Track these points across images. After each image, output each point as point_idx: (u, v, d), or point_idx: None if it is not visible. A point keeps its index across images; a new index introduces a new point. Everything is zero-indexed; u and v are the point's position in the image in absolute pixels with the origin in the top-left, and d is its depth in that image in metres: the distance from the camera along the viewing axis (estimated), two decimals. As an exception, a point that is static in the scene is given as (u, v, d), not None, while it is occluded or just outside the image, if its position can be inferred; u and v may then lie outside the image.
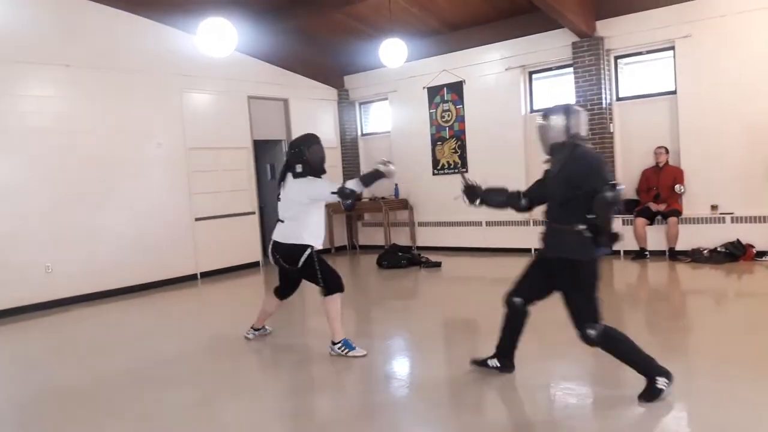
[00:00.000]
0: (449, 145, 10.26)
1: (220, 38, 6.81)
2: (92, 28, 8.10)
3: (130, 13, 8.47)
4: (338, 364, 4.69)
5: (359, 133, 11.77)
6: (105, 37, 8.23)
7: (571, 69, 8.86)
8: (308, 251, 4.83)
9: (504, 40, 9.48)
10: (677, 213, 8.05)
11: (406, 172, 10.77)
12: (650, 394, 3.49)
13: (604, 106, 8.57)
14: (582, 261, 3.58)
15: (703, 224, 8.02)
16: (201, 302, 8.07)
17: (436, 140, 10.43)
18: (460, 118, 10.10)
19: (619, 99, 8.79)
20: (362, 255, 10.84)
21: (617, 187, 3.46)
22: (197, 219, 9.22)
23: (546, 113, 3.82)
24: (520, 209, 4.11)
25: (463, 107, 10.05)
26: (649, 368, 3.54)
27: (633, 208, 8.42)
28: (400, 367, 4.74)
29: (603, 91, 8.57)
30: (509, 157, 9.48)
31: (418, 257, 9.11)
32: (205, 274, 9.26)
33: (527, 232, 9.37)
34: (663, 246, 8.18)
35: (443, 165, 10.35)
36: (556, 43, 8.97)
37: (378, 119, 11.63)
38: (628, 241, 8.43)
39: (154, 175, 8.72)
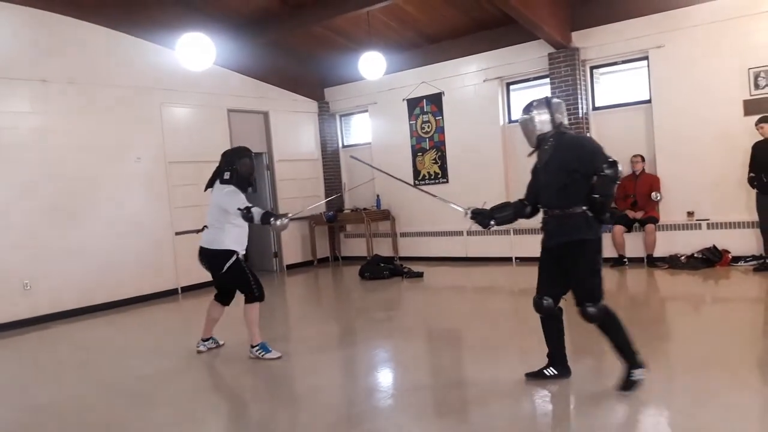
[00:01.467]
0: (430, 156, 10.33)
1: (199, 52, 6.83)
2: (70, 43, 8.05)
3: (109, 28, 8.44)
4: (319, 376, 4.69)
5: (340, 144, 11.80)
6: (83, 52, 8.19)
7: (547, 80, 8.98)
8: (233, 257, 5.04)
9: (482, 52, 9.59)
10: (654, 220, 8.17)
11: (387, 183, 10.82)
12: (627, 385, 3.65)
13: (580, 115, 8.70)
14: (589, 240, 3.67)
15: (679, 231, 8.15)
16: (181, 317, 8.01)
17: (417, 151, 10.50)
18: (440, 129, 10.18)
19: (595, 108, 8.92)
20: (345, 266, 10.84)
21: (616, 164, 3.57)
22: (177, 233, 9.14)
23: (528, 108, 3.89)
24: (527, 216, 4.17)
25: (442, 118, 10.14)
26: (631, 358, 3.68)
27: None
28: (383, 377, 4.74)
29: (579, 101, 8.70)
30: (489, 167, 9.56)
31: (401, 268, 9.13)
32: (186, 289, 9.17)
33: (507, 242, 9.46)
34: (641, 253, 8.28)
35: (424, 176, 10.42)
36: (533, 55, 9.09)
37: (359, 131, 11.68)
38: (606, 249, 8.52)
39: (134, 189, 8.67)
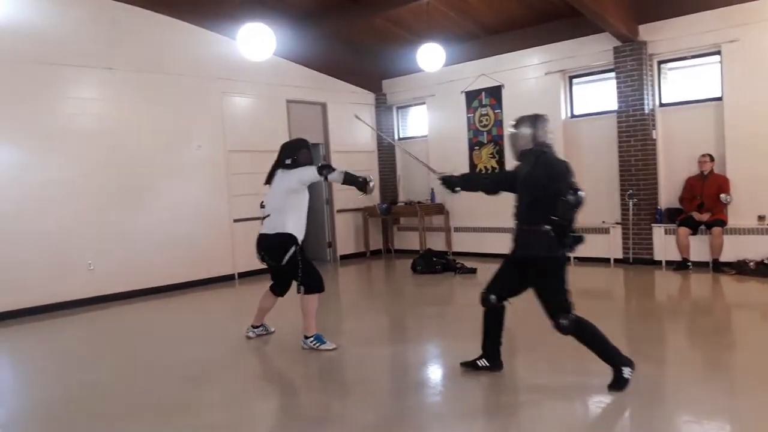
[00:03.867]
0: (487, 150, 10.17)
1: (260, 43, 6.91)
2: (136, 32, 8.28)
3: (173, 17, 8.64)
4: (370, 368, 4.68)
5: (396, 137, 11.76)
6: (148, 41, 8.41)
7: (612, 74, 8.69)
8: (293, 249, 5.05)
9: (543, 45, 9.35)
10: (722, 223, 7.80)
11: (442, 176, 10.74)
12: (618, 384, 3.76)
13: (646, 112, 8.38)
14: (549, 258, 3.85)
15: (749, 235, 7.75)
16: (237, 303, 8.16)
17: (474, 145, 10.35)
18: (499, 123, 10.00)
19: (662, 105, 8.57)
20: (397, 259, 10.82)
21: (579, 193, 3.80)
22: (236, 220, 9.33)
23: (516, 122, 4.09)
24: (489, 192, 4.41)
25: (501, 112, 9.95)
26: (614, 358, 3.82)
27: (676, 217, 8.21)
28: (432, 373, 4.70)
29: (645, 96, 8.38)
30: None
31: (453, 263, 9.03)
32: (243, 275, 9.36)
33: (565, 240, 9.23)
34: (707, 257, 7.92)
35: (481, 170, 10.27)
36: (597, 48, 8.81)
37: (415, 123, 11.61)
38: (670, 251, 8.23)
39: (194, 176, 8.87)
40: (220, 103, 9.21)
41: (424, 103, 11.09)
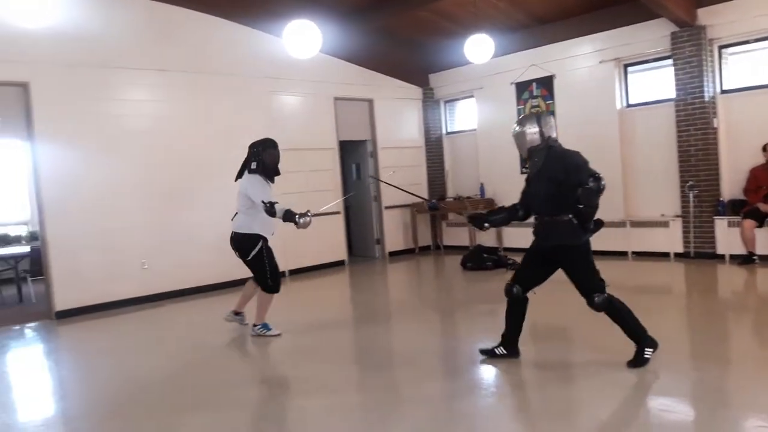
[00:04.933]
0: (538, 143, 9.91)
1: (306, 40, 6.90)
2: (185, 33, 8.41)
3: (221, 18, 8.73)
4: (418, 368, 4.59)
5: (444, 131, 11.61)
6: (198, 41, 8.53)
7: (670, 61, 8.33)
8: (260, 244, 5.42)
9: (597, 32, 9.04)
10: (791, 214, 7.39)
11: (492, 170, 10.56)
12: (638, 362, 4.05)
13: (706, 99, 8.00)
14: (575, 245, 4.08)
15: (821, 227, 7.32)
16: (286, 299, 8.18)
17: (524, 138, 10.10)
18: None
19: (723, 92, 8.16)
20: (446, 255, 10.69)
21: (600, 179, 3.93)
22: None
23: (520, 121, 4.32)
24: (520, 219, 4.55)
25: (553, 103, 9.69)
26: (641, 337, 4.10)
27: (740, 209, 7.82)
28: (484, 373, 4.57)
29: (705, 83, 8.00)
30: (604, 155, 9.02)
31: (505, 259, 8.85)
32: (293, 272, 9.42)
33: (623, 234, 8.93)
34: (774, 250, 7.53)
35: (531, 163, 10.02)
36: (654, 34, 8.46)
37: (463, 117, 11.43)
38: (734, 245, 7.85)
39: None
40: (268, 102, 9.27)
41: (472, 96, 10.91)
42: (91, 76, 7.59)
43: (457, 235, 11.09)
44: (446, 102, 11.56)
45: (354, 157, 10.93)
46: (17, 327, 7.09)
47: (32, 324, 7.18)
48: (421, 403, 3.92)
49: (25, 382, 5.20)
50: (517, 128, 4.30)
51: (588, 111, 9.24)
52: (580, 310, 4.41)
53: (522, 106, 10.08)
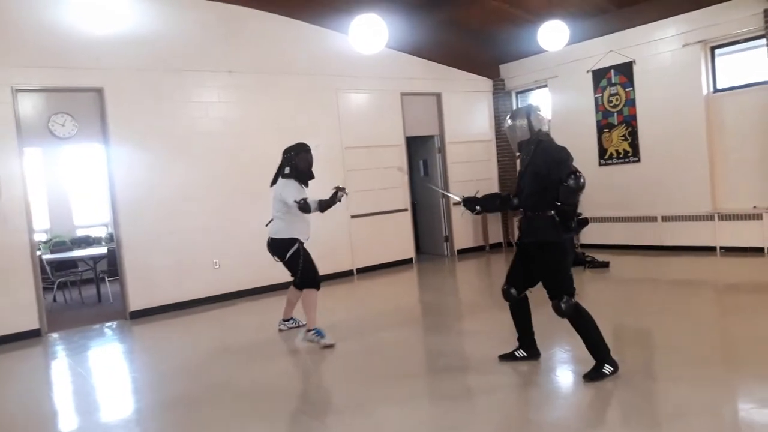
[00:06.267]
0: (618, 132, 9.38)
1: (372, 35, 6.74)
2: (251, 33, 8.42)
3: (286, 16, 8.70)
4: (492, 374, 4.33)
5: (516, 124, 11.19)
6: (263, 41, 8.53)
7: (763, 41, 7.66)
8: (296, 245, 5.47)
9: (680, 14, 8.43)
10: None
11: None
12: (596, 375, 3.93)
13: (808, 80, 7.30)
14: (552, 243, 3.99)
15: None
16: (356, 296, 8.09)
17: (603, 127, 9.59)
18: (630, 102, 9.18)
19: (828, 71, 7.44)
20: (520, 253, 10.28)
21: (579, 177, 3.85)
22: (353, 216, 9.29)
23: (511, 115, 4.29)
24: (513, 208, 4.42)
25: (633, 90, 9.13)
26: (602, 353, 3.98)
27: None
28: (563, 380, 4.26)
29: (807, 62, 7.30)
30: (689, 143, 8.45)
31: (583, 256, 8.38)
32: (361, 270, 9.32)
33: (710, 228, 8.32)
34: None
35: (611, 154, 9.50)
36: (743, 13, 7.79)
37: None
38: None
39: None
40: (335, 99, 9.18)
41: (545, 86, 10.45)
42: (162, 79, 7.71)
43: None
44: (518, 93, 11.13)
45: (421, 153, 10.70)
46: (97, 326, 7.28)
47: (109, 323, 7.36)
48: (494, 411, 3.66)
49: (101, 381, 5.29)
50: (509, 122, 4.29)
51: (671, 98, 8.65)
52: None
53: (600, 95, 9.57)
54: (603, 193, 9.41)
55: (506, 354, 4.52)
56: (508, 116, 4.36)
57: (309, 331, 5.49)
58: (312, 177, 5.67)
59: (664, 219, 8.81)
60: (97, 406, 4.61)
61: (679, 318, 5.45)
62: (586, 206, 9.83)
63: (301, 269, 5.51)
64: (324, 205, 5.38)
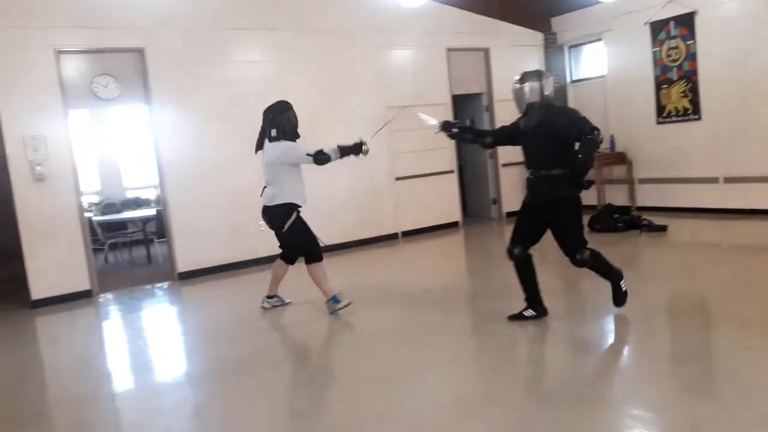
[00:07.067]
0: (678, 89, 8.84)
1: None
2: (295, -10, 8.19)
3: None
4: (539, 344, 4.16)
5: (568, 79, 10.69)
6: (306, -1, 8.30)
7: None
8: (294, 215, 5.16)
9: (751, -43, 7.80)
10: None
11: (624, 121, 9.61)
12: (620, 298, 4.49)
13: None
14: (570, 198, 4.25)
15: None
16: (400, 261, 7.96)
17: (661, 83, 9.05)
18: (691, 56, 8.61)
19: None
20: (571, 215, 9.95)
21: (599, 132, 4.08)
22: (397, 178, 9.12)
23: (521, 78, 4.42)
24: (484, 145, 4.94)
25: (694, 43, 8.55)
26: (615, 275, 4.47)
27: None
28: (613, 354, 4.06)
29: None
30: (756, 100, 7.89)
31: (639, 220, 8.02)
32: (406, 233, 9.18)
33: (778, 191, 7.83)
34: None
35: (670, 111, 8.99)
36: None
37: (590, 63, 10.45)
38: None
39: (355, 134, 8.68)
40: (377, 57, 8.90)
41: (600, 40, 9.91)
42: (202, 38, 7.59)
43: (584, 194, 10.23)
44: (570, 47, 10.60)
45: (468, 111, 10.36)
46: (147, 287, 7.40)
47: (159, 284, 7.46)
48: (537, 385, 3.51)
49: (151, 342, 5.37)
50: (518, 85, 4.41)
51: (737, 51, 8.06)
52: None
53: (658, 49, 9.01)
54: (661, 152, 8.97)
55: (515, 314, 4.60)
56: (517, 78, 4.46)
57: (327, 302, 5.35)
58: (298, 136, 5.31)
59: (727, 180, 8.33)
60: (149, 367, 4.69)
61: (743, 287, 5.13)
62: (643, 166, 9.43)
63: (306, 242, 5.28)
64: (344, 152, 5.15)
